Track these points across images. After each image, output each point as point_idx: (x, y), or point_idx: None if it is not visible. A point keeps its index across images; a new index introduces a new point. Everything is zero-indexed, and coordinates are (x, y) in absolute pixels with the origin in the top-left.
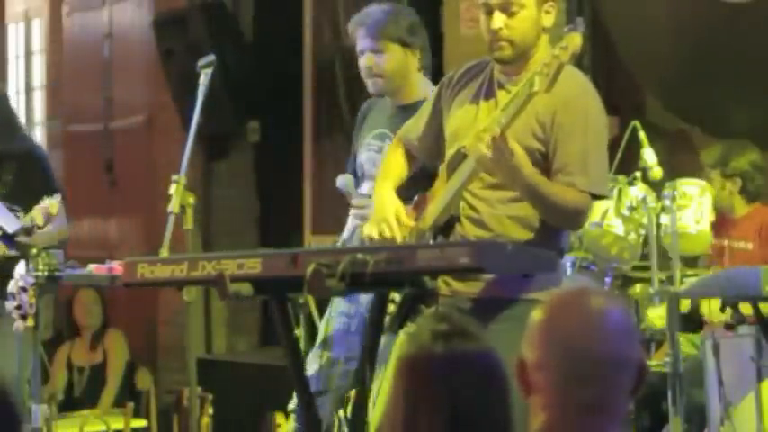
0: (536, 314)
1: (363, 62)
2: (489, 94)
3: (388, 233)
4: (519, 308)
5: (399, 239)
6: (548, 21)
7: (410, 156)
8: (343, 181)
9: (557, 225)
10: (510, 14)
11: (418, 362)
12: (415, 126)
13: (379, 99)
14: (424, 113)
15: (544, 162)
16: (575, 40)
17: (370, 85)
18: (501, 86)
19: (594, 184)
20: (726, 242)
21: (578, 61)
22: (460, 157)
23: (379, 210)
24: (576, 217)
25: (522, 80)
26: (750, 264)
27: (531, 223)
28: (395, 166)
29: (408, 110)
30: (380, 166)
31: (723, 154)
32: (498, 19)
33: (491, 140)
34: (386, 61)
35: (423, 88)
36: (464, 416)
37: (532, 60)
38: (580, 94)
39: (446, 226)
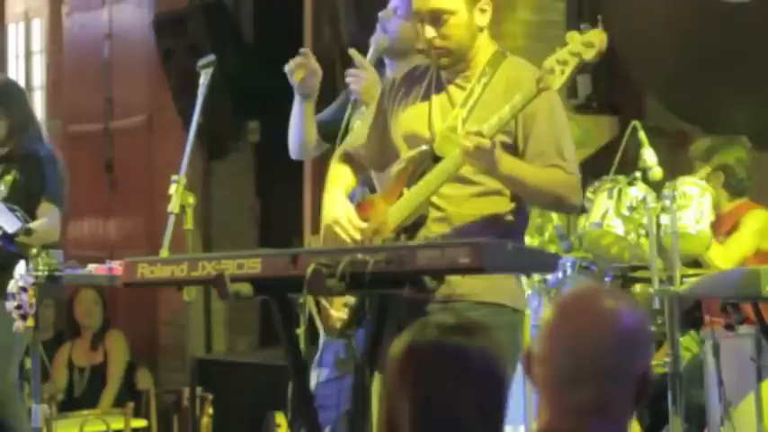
0: (550, 309)
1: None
2: (439, 91)
3: (343, 235)
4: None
5: (350, 241)
6: (483, 20)
7: (356, 165)
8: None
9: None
10: (440, 24)
11: (420, 359)
12: (359, 135)
13: None
14: (366, 121)
15: (512, 153)
16: (601, 37)
17: None
18: (450, 82)
19: (574, 167)
20: (719, 239)
21: None
22: (428, 156)
23: (329, 213)
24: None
25: (474, 75)
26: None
27: (499, 218)
28: (343, 175)
29: None
30: (328, 176)
31: (709, 148)
32: (429, 30)
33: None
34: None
35: None
36: (465, 413)
37: (477, 57)
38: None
39: (412, 226)
